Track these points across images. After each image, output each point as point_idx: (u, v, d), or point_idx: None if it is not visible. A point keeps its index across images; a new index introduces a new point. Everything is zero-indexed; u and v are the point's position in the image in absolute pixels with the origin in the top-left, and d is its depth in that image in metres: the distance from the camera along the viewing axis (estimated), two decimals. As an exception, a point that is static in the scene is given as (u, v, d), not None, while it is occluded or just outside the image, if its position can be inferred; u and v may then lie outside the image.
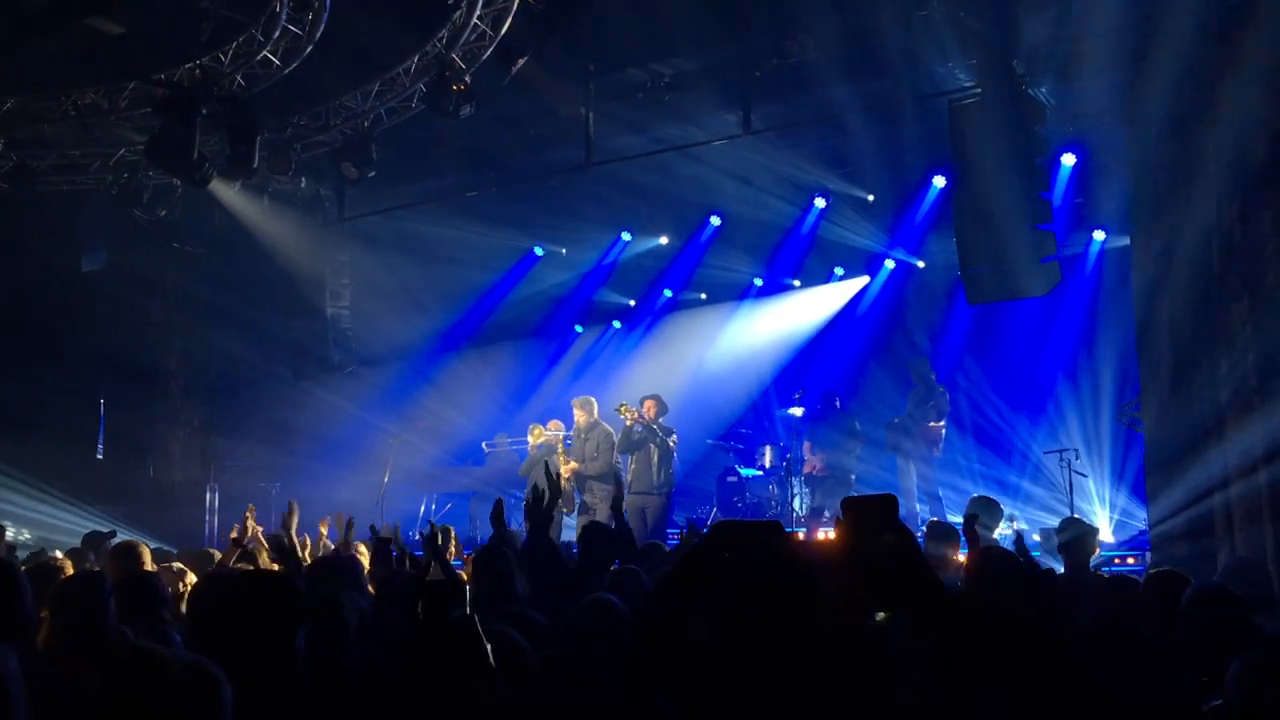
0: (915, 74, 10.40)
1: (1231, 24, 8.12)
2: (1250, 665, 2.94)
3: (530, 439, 12.47)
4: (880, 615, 2.52)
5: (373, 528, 7.34)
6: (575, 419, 11.86)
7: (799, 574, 2.46)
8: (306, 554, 7.55)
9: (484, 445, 14.67)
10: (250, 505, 6.96)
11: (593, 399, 12.03)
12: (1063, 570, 6.22)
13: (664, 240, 15.51)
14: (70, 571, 6.42)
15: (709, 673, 2.48)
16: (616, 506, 6.72)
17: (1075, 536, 6.33)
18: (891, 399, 13.17)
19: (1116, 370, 12.02)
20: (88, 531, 9.08)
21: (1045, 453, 11.92)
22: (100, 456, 15.32)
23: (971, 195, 9.61)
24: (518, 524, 8.51)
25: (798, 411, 13.24)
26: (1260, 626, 3.77)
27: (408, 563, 5.73)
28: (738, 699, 2.43)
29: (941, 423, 12.23)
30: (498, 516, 6.05)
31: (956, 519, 11.81)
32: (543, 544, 5.60)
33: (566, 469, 11.58)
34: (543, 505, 5.77)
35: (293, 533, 6.76)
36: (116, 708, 2.16)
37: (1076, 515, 8.13)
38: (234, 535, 6.85)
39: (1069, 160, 11.51)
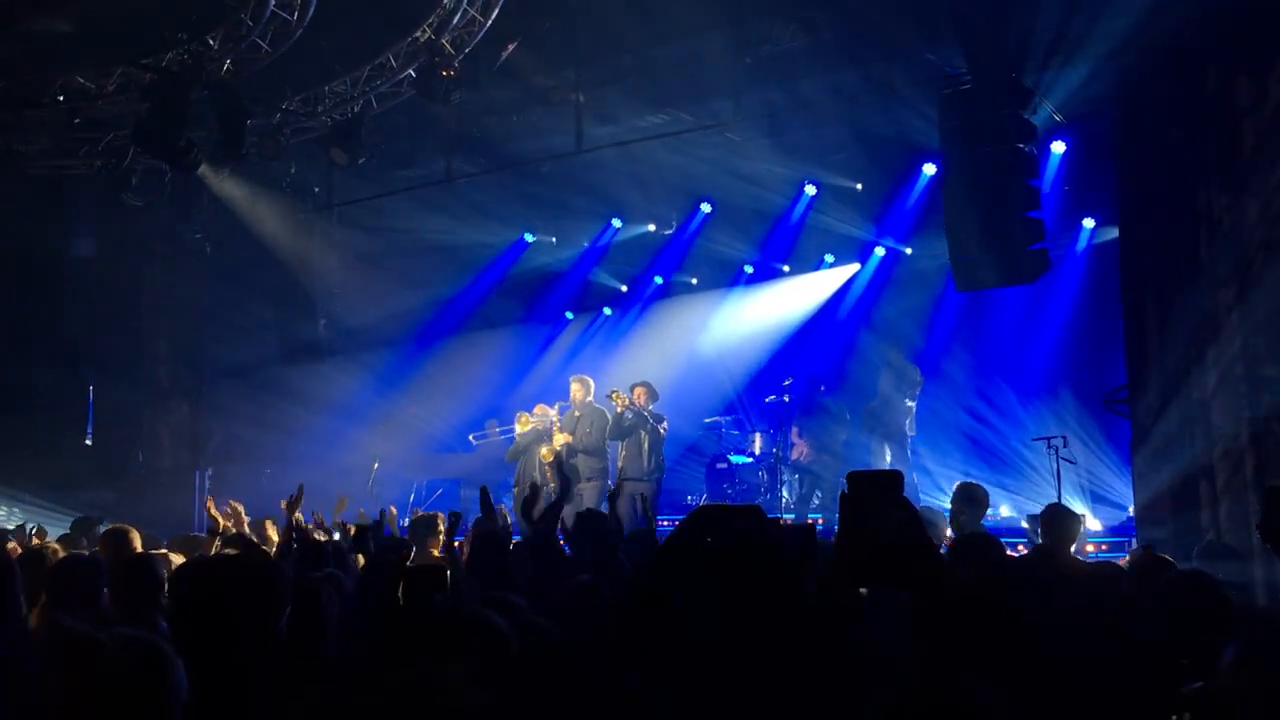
0: (905, 61, 10.39)
1: (1220, 12, 8.14)
2: (1248, 650, 2.95)
3: (518, 427, 12.46)
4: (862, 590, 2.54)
5: (383, 512, 7.36)
6: (572, 393, 11.97)
7: (779, 558, 2.47)
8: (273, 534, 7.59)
9: (471, 438, 14.42)
10: (210, 497, 6.97)
11: (590, 379, 12.12)
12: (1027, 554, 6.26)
13: (653, 227, 15.49)
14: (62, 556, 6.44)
15: (690, 657, 2.50)
16: (613, 500, 6.80)
17: (1056, 521, 6.35)
18: (878, 385, 13.19)
19: (1104, 357, 12.04)
20: (78, 517, 9.08)
21: (1033, 439, 11.96)
22: (89, 442, 15.30)
23: (961, 183, 9.61)
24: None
25: (787, 398, 13.27)
26: (1237, 608, 3.80)
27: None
28: (719, 682, 2.44)
29: (913, 403, 12.26)
30: (486, 503, 6.11)
31: (933, 500, 11.89)
32: (544, 538, 5.65)
33: (560, 439, 11.70)
34: (535, 502, 5.85)
35: (296, 516, 6.76)
36: (62, 691, 2.15)
37: (1057, 501, 8.12)
38: (212, 527, 6.86)
39: (1059, 148, 11.53)
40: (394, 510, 7.67)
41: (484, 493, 6.23)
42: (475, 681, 2.34)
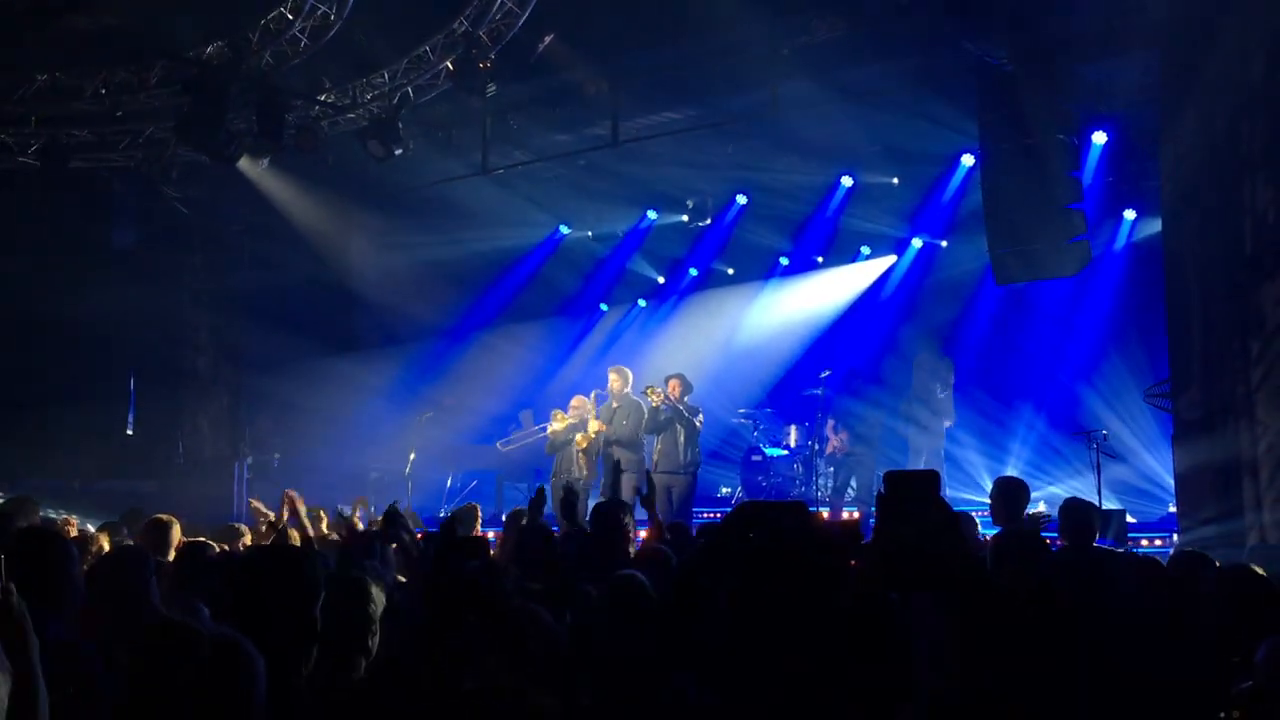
0: (944, 51, 10.29)
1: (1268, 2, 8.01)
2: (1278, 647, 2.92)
3: (553, 424, 12.40)
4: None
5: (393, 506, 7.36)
6: (610, 384, 11.91)
7: (822, 553, 2.47)
8: (324, 527, 7.65)
9: (499, 444, 14.11)
10: (287, 501, 6.96)
11: (628, 370, 12.08)
12: (1067, 549, 6.13)
13: (688, 219, 15.45)
14: (106, 546, 6.52)
15: (733, 649, 2.50)
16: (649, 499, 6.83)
17: (1072, 517, 6.16)
18: (913, 379, 13.12)
19: (1146, 350, 11.92)
20: (130, 508, 9.16)
21: (1073, 434, 11.86)
22: (130, 432, 15.47)
23: (1000, 174, 9.53)
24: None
25: (822, 391, 13.21)
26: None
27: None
28: (761, 675, 2.44)
29: (946, 394, 12.15)
30: (536, 506, 6.21)
31: (969, 495, 11.82)
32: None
33: (594, 426, 11.68)
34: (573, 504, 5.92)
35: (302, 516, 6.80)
36: (149, 679, 2.18)
37: (1078, 496, 7.85)
38: (273, 518, 6.91)
39: (1100, 139, 11.39)
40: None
41: (539, 493, 6.34)
42: (534, 683, 2.34)
